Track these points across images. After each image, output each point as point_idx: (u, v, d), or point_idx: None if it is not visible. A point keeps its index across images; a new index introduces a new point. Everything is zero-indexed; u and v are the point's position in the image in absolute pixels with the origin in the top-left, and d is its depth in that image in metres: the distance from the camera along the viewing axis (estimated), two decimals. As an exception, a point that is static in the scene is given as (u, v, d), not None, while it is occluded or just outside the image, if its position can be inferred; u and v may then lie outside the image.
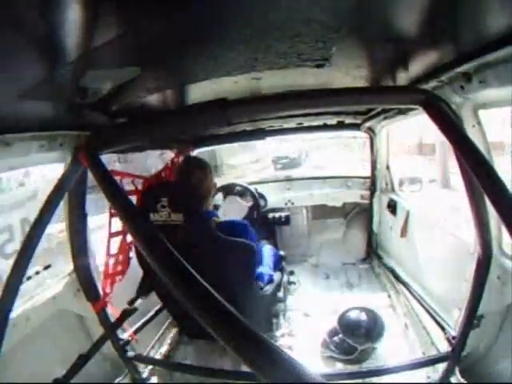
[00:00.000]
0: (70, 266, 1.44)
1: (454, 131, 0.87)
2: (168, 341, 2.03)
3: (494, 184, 0.76)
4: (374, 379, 1.49)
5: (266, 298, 1.64)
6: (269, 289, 1.67)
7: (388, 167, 2.52)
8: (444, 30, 0.78)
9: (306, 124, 2.28)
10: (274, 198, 2.86)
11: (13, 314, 1.02)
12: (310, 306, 2.23)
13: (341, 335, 1.78)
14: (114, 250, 1.52)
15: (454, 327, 1.37)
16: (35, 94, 0.79)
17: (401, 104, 1.32)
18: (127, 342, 1.54)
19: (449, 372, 1.39)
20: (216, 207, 2.46)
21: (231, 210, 2.39)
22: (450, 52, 0.93)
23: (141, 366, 1.67)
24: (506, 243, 1.22)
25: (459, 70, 0.97)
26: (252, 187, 2.63)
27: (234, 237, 1.28)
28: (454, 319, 1.40)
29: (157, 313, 1.83)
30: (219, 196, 2.59)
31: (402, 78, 1.21)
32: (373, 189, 2.67)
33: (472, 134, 1.12)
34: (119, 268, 1.51)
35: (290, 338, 1.87)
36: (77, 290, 1.45)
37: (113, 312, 1.49)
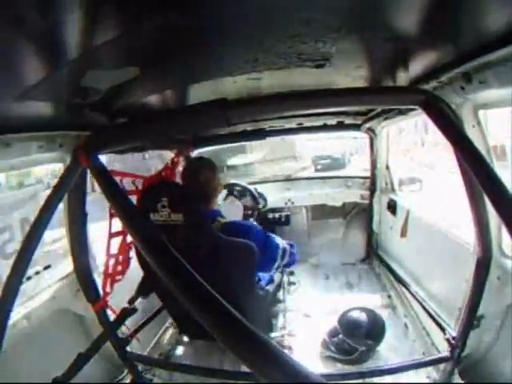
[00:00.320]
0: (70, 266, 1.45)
1: (454, 131, 0.87)
2: (168, 341, 2.03)
3: (493, 184, 0.76)
4: (374, 379, 1.49)
5: (266, 298, 1.64)
6: (269, 289, 1.67)
7: (388, 167, 2.52)
8: (444, 31, 0.78)
9: (306, 124, 2.28)
10: (274, 197, 2.86)
11: (13, 314, 1.02)
12: (310, 307, 2.24)
13: (341, 335, 1.78)
14: (114, 250, 1.52)
15: (454, 327, 1.37)
16: (35, 95, 0.79)
17: (401, 104, 1.32)
18: (127, 342, 1.54)
19: (449, 372, 1.39)
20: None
21: (229, 211, 2.39)
22: (450, 52, 0.93)
23: (141, 366, 1.67)
24: (506, 243, 1.22)
25: (459, 70, 0.97)
26: (252, 187, 2.63)
27: (238, 238, 1.27)
28: (454, 319, 1.40)
29: (157, 313, 1.83)
30: (219, 196, 2.58)
31: (402, 78, 1.21)
32: (373, 189, 2.67)
33: (472, 134, 1.12)
34: (119, 268, 1.51)
35: (289, 338, 1.86)
36: (77, 290, 1.45)
37: (113, 312, 1.49)
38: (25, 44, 0.55)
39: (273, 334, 1.84)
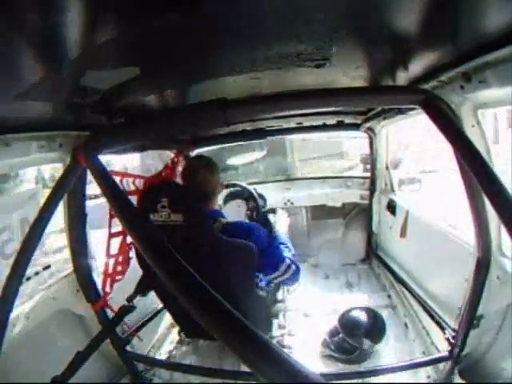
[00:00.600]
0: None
1: (454, 131, 0.87)
2: (168, 341, 2.03)
3: (493, 184, 0.76)
4: (374, 379, 1.49)
5: (266, 298, 1.64)
6: (269, 289, 1.67)
7: (387, 167, 2.52)
8: (443, 30, 0.78)
9: (305, 124, 2.28)
10: (274, 197, 2.86)
11: (13, 314, 1.02)
12: (310, 307, 2.23)
13: (341, 335, 1.78)
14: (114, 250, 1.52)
15: (454, 327, 1.37)
16: (35, 95, 0.79)
17: (400, 104, 1.32)
18: (127, 342, 1.54)
19: (449, 372, 1.39)
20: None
21: (231, 212, 2.38)
22: (450, 52, 0.93)
23: (141, 366, 1.67)
24: (506, 243, 1.22)
25: (459, 69, 0.97)
26: (251, 187, 2.62)
27: (240, 239, 1.27)
28: (454, 319, 1.40)
29: (157, 312, 1.83)
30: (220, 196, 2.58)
31: (402, 78, 1.21)
32: (372, 189, 2.67)
33: (471, 134, 1.12)
34: (119, 268, 1.51)
35: (289, 337, 1.87)
36: (77, 290, 1.45)
37: (112, 312, 1.49)
38: (25, 44, 0.55)
39: (273, 334, 1.84)
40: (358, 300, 2.30)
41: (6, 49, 0.53)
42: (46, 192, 1.13)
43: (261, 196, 2.65)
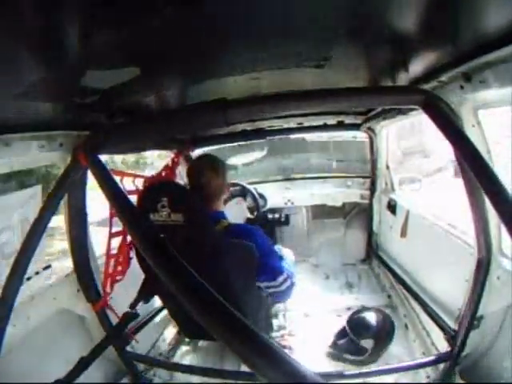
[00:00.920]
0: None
1: (454, 131, 0.87)
2: (168, 341, 2.03)
3: (493, 184, 0.76)
4: (375, 379, 1.49)
5: (266, 298, 1.64)
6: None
7: (388, 167, 2.52)
8: (443, 30, 0.78)
9: (305, 124, 2.28)
10: (274, 197, 2.86)
11: (13, 314, 1.02)
12: (310, 306, 2.23)
13: (350, 336, 1.76)
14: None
15: (454, 327, 1.37)
16: (35, 94, 0.79)
17: (400, 104, 1.32)
18: (127, 342, 1.54)
19: (449, 372, 1.39)
20: None
21: (232, 212, 2.39)
22: (450, 52, 0.93)
23: (141, 366, 1.67)
24: (506, 243, 1.22)
25: (459, 69, 0.97)
26: (251, 187, 2.62)
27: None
28: (454, 319, 1.40)
29: (157, 313, 1.83)
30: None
31: (402, 78, 1.21)
32: (373, 189, 2.66)
33: (471, 134, 1.12)
34: (119, 268, 1.51)
35: (289, 338, 1.87)
36: (77, 290, 1.45)
37: (112, 313, 1.49)
38: (25, 44, 0.55)
39: (273, 334, 1.84)
40: (358, 300, 2.30)
41: (6, 49, 0.53)
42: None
43: (261, 196, 2.65)
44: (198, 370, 1.58)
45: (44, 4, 0.45)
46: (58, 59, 0.65)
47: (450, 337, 1.37)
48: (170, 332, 2.08)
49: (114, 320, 1.50)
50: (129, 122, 1.24)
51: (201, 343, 1.96)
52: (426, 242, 1.89)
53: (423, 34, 0.79)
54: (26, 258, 1.04)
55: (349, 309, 2.21)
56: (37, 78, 0.71)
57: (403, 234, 2.16)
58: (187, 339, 1.97)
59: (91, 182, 1.10)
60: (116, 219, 1.37)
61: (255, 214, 2.50)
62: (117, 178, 1.30)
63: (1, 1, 0.41)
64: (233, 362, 1.70)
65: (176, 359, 1.90)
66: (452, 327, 1.39)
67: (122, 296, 1.53)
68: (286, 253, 1.67)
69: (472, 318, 1.26)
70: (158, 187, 1.34)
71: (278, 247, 1.69)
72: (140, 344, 1.65)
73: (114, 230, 1.48)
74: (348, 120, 2.29)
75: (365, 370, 1.56)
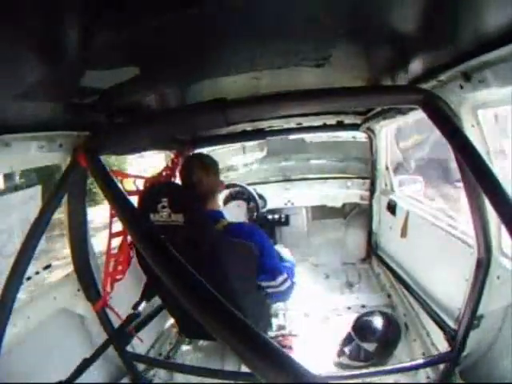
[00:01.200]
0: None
1: (453, 131, 0.87)
2: (168, 341, 2.03)
3: (492, 184, 0.76)
4: (374, 380, 1.49)
5: (266, 297, 1.64)
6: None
7: (387, 167, 2.52)
8: (443, 30, 0.78)
9: (305, 124, 2.28)
10: (274, 198, 2.86)
11: (13, 314, 1.02)
12: (310, 306, 2.24)
13: (356, 342, 1.74)
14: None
15: (454, 327, 1.37)
16: (35, 95, 0.79)
17: (400, 104, 1.32)
18: (127, 343, 1.54)
19: (449, 372, 1.39)
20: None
21: (232, 213, 2.39)
22: (449, 51, 0.93)
23: (141, 366, 1.67)
24: (506, 243, 1.22)
25: (458, 69, 0.97)
26: (251, 188, 2.63)
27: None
28: (454, 319, 1.40)
29: (157, 312, 1.83)
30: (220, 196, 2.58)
31: (401, 77, 1.21)
32: (372, 189, 2.67)
33: (471, 134, 1.12)
34: (120, 267, 1.51)
35: (289, 337, 1.87)
36: (77, 290, 1.45)
37: (113, 312, 1.49)
38: (25, 44, 0.55)
39: (273, 334, 1.84)
40: (359, 300, 2.31)
41: (6, 49, 0.53)
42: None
43: (260, 196, 2.65)
44: (198, 371, 1.58)
45: (44, 4, 0.45)
46: (57, 59, 0.65)
47: (450, 337, 1.36)
48: (170, 332, 2.08)
49: (114, 319, 1.50)
50: (129, 122, 1.24)
51: (201, 343, 1.96)
52: (425, 241, 1.89)
53: (423, 33, 0.79)
54: (26, 258, 1.04)
55: (349, 308, 2.22)
56: (36, 79, 0.71)
57: (403, 234, 2.16)
58: (187, 339, 1.97)
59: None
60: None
61: (255, 214, 2.50)
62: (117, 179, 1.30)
63: (1, 1, 0.41)
64: (233, 362, 1.71)
65: (176, 359, 1.90)
66: (452, 327, 1.39)
67: (122, 295, 1.53)
68: (285, 253, 1.67)
69: (472, 317, 1.26)
70: (158, 188, 1.34)
71: (278, 247, 1.69)
72: (140, 344, 1.65)
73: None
74: (347, 120, 2.29)
75: (365, 370, 1.55)
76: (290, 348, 1.78)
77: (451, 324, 1.42)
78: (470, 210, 1.18)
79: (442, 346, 1.46)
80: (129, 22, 0.57)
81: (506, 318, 1.24)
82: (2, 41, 0.51)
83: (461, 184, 1.16)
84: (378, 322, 1.81)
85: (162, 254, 0.67)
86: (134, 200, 1.40)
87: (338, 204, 2.95)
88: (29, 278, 1.21)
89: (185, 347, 1.99)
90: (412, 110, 1.50)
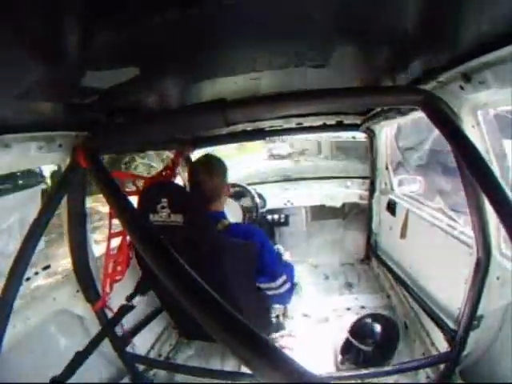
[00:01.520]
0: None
1: (453, 131, 0.87)
2: (168, 341, 2.03)
3: (492, 184, 0.76)
4: (374, 379, 1.49)
5: (266, 298, 1.64)
6: None
7: (387, 167, 2.52)
8: (443, 30, 0.78)
9: (305, 124, 2.28)
10: (273, 198, 2.86)
11: (13, 314, 1.02)
12: (310, 307, 2.23)
13: (355, 347, 1.72)
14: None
15: (454, 327, 1.37)
16: (34, 95, 0.79)
17: (399, 104, 1.32)
18: (127, 343, 1.54)
19: (449, 372, 1.39)
20: None
21: (228, 212, 2.38)
22: (449, 52, 0.93)
23: (141, 367, 1.67)
24: (505, 243, 1.22)
25: (458, 70, 0.97)
26: (251, 187, 2.62)
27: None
28: (454, 319, 1.40)
29: (156, 313, 1.83)
30: None
31: (401, 78, 1.21)
32: (372, 189, 2.67)
33: (471, 134, 1.12)
34: (119, 268, 1.51)
35: (289, 338, 1.86)
36: (76, 291, 1.45)
37: (112, 313, 1.49)
38: (24, 44, 0.55)
39: (272, 334, 1.84)
40: (358, 300, 2.31)
41: (6, 49, 0.53)
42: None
43: (260, 196, 2.65)
44: (198, 371, 1.58)
45: (44, 4, 0.45)
46: (57, 59, 0.65)
47: (450, 337, 1.37)
48: (170, 333, 2.08)
49: None
50: (128, 122, 1.24)
51: (201, 343, 1.96)
52: (425, 242, 1.89)
53: (423, 34, 0.79)
54: (26, 258, 1.04)
55: (348, 309, 2.22)
56: (36, 78, 0.71)
57: (403, 234, 2.16)
58: (187, 340, 1.97)
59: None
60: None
61: (254, 215, 2.50)
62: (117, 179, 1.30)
63: (1, 1, 0.41)
64: (233, 362, 1.70)
65: (176, 360, 1.90)
66: (452, 327, 1.39)
67: (121, 296, 1.53)
68: (285, 256, 1.67)
69: (472, 317, 1.26)
70: (157, 188, 1.34)
71: (278, 247, 1.69)
72: (140, 344, 1.65)
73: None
74: (347, 120, 2.29)
75: (365, 370, 1.55)
76: (290, 349, 1.78)
77: (451, 324, 1.42)
78: (470, 211, 1.18)
79: (442, 346, 1.46)
80: (129, 22, 0.56)
81: (505, 318, 1.24)
82: (2, 41, 0.50)
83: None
84: (375, 325, 1.80)
85: (162, 254, 0.67)
86: (134, 200, 1.40)
87: (338, 204, 2.95)
88: (28, 279, 1.21)
89: (185, 348, 1.98)
90: (412, 110, 1.50)
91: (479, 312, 1.26)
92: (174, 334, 2.05)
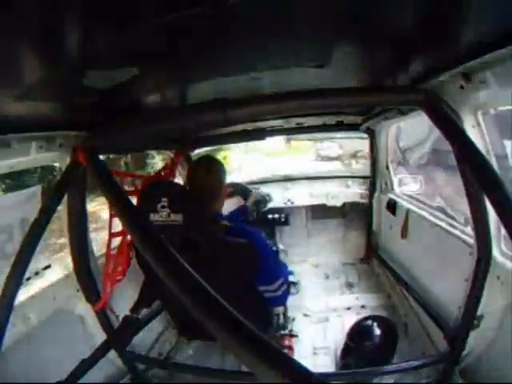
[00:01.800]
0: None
1: (453, 131, 0.87)
2: (168, 341, 2.03)
3: (493, 184, 0.76)
4: (374, 379, 1.49)
5: (266, 298, 1.64)
6: None
7: (388, 167, 2.52)
8: (443, 30, 0.78)
9: (305, 124, 2.28)
10: (274, 197, 2.85)
11: (13, 314, 1.02)
12: (310, 306, 2.23)
13: (355, 350, 1.71)
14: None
15: (454, 327, 1.37)
16: (35, 94, 0.79)
17: (400, 104, 1.32)
18: (127, 342, 1.54)
19: (448, 372, 1.39)
20: None
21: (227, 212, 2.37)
22: (450, 52, 0.93)
23: (141, 366, 1.67)
24: (506, 243, 1.22)
25: (459, 69, 0.97)
26: (254, 187, 2.62)
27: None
28: (454, 319, 1.40)
29: (156, 313, 1.83)
30: None
31: (402, 78, 1.21)
32: (372, 189, 2.67)
33: (471, 134, 1.12)
34: (119, 268, 1.51)
35: (289, 338, 1.86)
36: (77, 291, 1.45)
37: (112, 313, 1.49)
38: (24, 43, 0.55)
39: (272, 334, 1.84)
40: (358, 300, 2.31)
41: (6, 48, 0.53)
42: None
43: (267, 195, 2.62)
44: (198, 371, 1.58)
45: (44, 4, 0.45)
46: (57, 59, 0.65)
47: (450, 337, 1.37)
48: (170, 332, 2.08)
49: (114, 320, 1.50)
50: (128, 121, 1.24)
51: (201, 343, 1.96)
52: (425, 241, 1.89)
53: (423, 33, 0.79)
54: (26, 258, 1.04)
55: (349, 309, 2.22)
56: (36, 78, 0.71)
57: (403, 234, 2.16)
58: (187, 339, 1.97)
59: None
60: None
61: (254, 215, 2.49)
62: (117, 178, 1.30)
63: (1, 1, 0.41)
64: (233, 362, 1.70)
65: (176, 359, 1.90)
66: (452, 327, 1.39)
67: (121, 296, 1.53)
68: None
69: (472, 317, 1.26)
70: (157, 187, 1.33)
71: (278, 247, 1.69)
72: (140, 344, 1.65)
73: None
74: (348, 120, 2.29)
75: (364, 370, 1.55)
76: (290, 348, 1.78)
77: (451, 324, 1.42)
78: (470, 210, 1.18)
79: (442, 346, 1.46)
80: (129, 22, 0.56)
81: (505, 318, 1.24)
82: (3, 41, 0.51)
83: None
84: (374, 328, 1.79)
85: (162, 254, 0.67)
86: (134, 200, 1.40)
87: (338, 203, 2.94)
88: (28, 279, 1.21)
89: (185, 347, 1.99)
90: (412, 110, 1.50)
91: (479, 311, 1.26)
92: (174, 334, 2.06)
